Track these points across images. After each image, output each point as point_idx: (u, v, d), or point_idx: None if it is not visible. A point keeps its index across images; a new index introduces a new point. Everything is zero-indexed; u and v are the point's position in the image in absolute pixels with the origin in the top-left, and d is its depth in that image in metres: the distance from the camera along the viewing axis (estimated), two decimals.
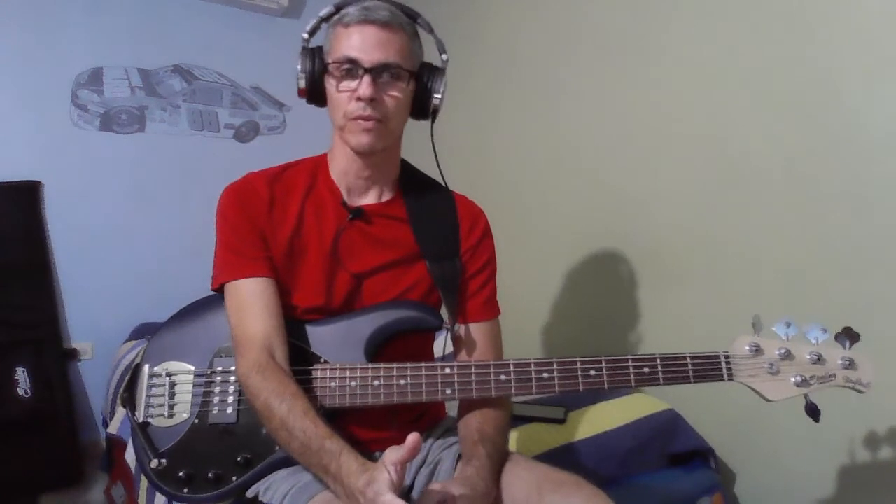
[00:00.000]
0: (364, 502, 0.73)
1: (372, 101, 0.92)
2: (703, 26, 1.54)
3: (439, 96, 1.00)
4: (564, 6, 1.95)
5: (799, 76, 1.33)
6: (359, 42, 0.92)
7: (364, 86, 0.91)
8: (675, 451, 1.47)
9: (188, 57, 2.59)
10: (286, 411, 0.84)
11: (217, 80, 2.66)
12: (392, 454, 0.72)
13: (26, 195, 2.25)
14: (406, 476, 1.01)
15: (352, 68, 0.92)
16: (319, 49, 0.98)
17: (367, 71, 0.91)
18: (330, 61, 0.94)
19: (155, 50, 2.52)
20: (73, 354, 2.35)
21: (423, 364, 0.92)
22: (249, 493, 0.93)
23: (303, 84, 0.98)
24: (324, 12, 0.98)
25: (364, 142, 0.95)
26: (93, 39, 2.38)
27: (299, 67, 0.97)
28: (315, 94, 0.99)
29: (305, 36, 0.99)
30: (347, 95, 0.93)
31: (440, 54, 1.03)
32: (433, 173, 1.13)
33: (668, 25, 1.63)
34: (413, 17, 0.98)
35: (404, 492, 0.99)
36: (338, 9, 0.96)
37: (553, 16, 2.00)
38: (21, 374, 2.15)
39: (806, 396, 0.88)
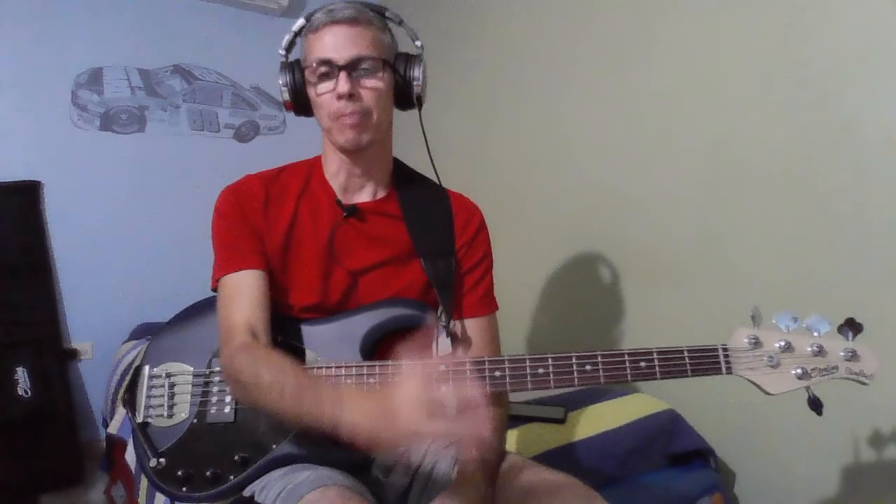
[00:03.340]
0: (388, 397, 0.70)
1: (351, 96, 0.93)
2: (701, 25, 1.54)
3: (419, 83, 1.00)
4: (562, 4, 1.95)
5: (798, 76, 1.33)
6: (330, 42, 0.93)
7: (341, 83, 0.92)
8: (675, 452, 1.46)
9: (188, 57, 2.59)
10: (276, 371, 0.82)
11: (217, 80, 2.66)
12: None
13: (26, 195, 2.25)
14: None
15: (327, 70, 0.93)
16: (297, 62, 0.99)
17: (341, 68, 0.92)
18: (305, 67, 0.96)
19: (155, 50, 2.52)
20: (73, 354, 2.35)
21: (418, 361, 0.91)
22: (246, 493, 0.92)
23: (287, 97, 1.00)
24: (295, 26, 0.99)
25: (350, 138, 0.95)
26: (93, 39, 2.38)
27: (280, 82, 0.99)
28: (301, 105, 1.01)
29: (282, 52, 1.01)
30: (328, 97, 0.94)
31: (413, 42, 1.03)
32: (427, 169, 1.12)
33: (666, 24, 1.62)
34: (380, 11, 0.99)
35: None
36: (307, 19, 0.97)
37: (550, 14, 2.00)
38: (21, 374, 2.16)
39: (808, 389, 0.85)
